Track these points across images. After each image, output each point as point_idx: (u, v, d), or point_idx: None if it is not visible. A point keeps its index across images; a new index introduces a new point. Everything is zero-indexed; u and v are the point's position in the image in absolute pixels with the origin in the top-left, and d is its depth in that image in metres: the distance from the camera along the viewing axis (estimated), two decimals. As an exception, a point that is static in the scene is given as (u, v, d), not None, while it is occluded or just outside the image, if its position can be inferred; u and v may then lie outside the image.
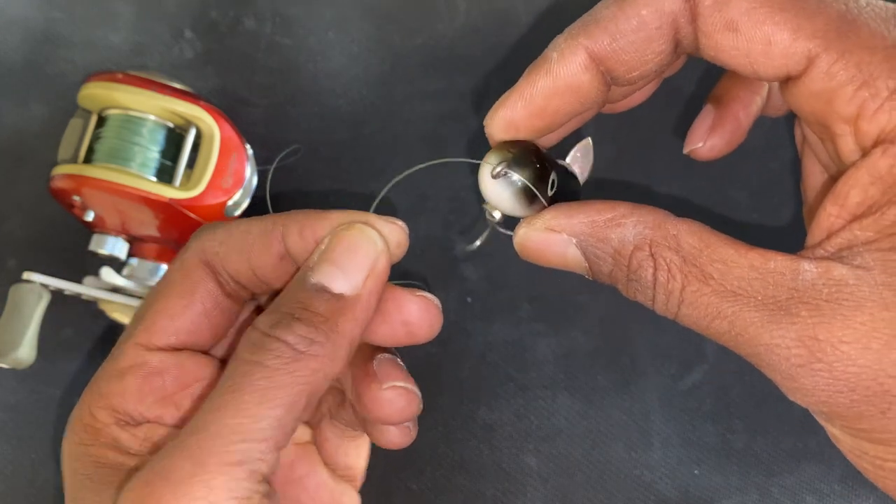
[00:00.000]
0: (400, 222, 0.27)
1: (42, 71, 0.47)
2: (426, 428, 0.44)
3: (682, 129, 0.47)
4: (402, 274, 0.46)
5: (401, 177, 0.30)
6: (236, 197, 0.40)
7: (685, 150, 0.33)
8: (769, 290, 0.22)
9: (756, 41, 0.23)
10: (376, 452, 0.44)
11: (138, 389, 0.25)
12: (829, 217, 0.23)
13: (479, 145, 0.46)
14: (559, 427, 0.44)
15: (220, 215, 0.40)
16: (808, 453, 0.44)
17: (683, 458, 0.44)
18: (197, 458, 0.21)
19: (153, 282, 0.41)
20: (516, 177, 0.26)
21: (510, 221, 0.30)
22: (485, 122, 0.27)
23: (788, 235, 0.47)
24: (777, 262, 0.23)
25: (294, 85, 0.47)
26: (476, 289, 0.45)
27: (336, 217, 0.26)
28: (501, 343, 0.45)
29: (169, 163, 0.39)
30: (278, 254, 0.26)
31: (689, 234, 0.24)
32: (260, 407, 0.22)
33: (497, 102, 0.26)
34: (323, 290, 0.24)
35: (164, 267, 0.41)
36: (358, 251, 0.25)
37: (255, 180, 0.41)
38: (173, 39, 0.46)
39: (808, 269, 0.22)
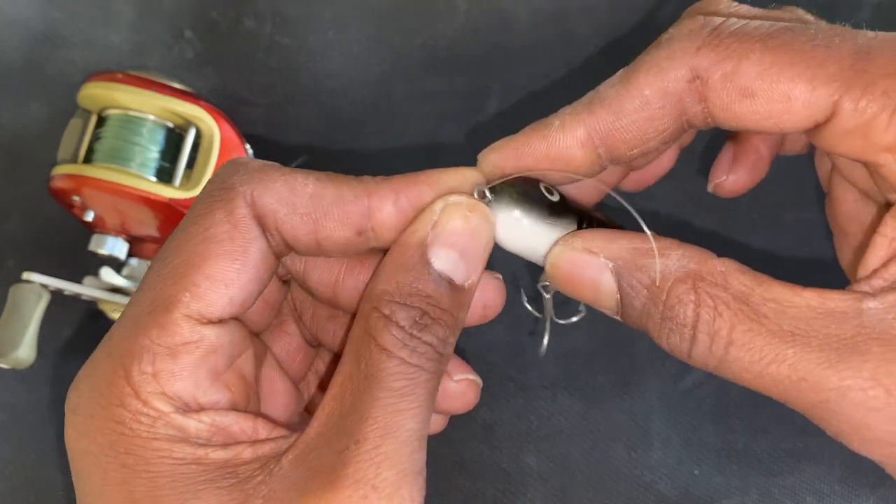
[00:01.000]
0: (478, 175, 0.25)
1: (42, 71, 0.47)
2: (426, 428, 0.44)
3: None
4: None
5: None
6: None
7: (710, 188, 0.32)
8: (832, 329, 0.21)
9: (775, 101, 0.23)
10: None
11: (194, 370, 0.22)
12: (886, 243, 0.22)
13: (479, 146, 0.46)
14: (559, 427, 0.44)
15: (219, 215, 0.40)
16: (808, 453, 0.44)
17: (683, 458, 0.44)
18: (397, 467, 0.21)
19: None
20: (505, 197, 0.24)
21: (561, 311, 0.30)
22: (478, 157, 0.26)
23: (789, 235, 0.47)
24: (837, 300, 0.21)
25: (294, 85, 0.47)
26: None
27: (444, 179, 0.24)
28: (501, 343, 0.45)
29: (168, 164, 0.39)
30: (358, 228, 0.23)
31: (738, 272, 0.22)
32: (425, 410, 0.22)
33: (493, 145, 0.26)
34: (447, 281, 0.23)
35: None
36: (480, 237, 0.24)
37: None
38: (173, 39, 0.46)
39: (871, 304, 0.21)
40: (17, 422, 0.44)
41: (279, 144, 0.46)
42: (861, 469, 0.44)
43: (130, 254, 0.41)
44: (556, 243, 0.25)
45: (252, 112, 0.46)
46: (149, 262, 0.41)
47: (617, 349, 0.45)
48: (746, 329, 0.21)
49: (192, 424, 0.22)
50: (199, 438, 0.22)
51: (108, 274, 0.40)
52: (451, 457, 0.44)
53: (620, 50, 0.47)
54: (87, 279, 0.41)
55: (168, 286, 0.22)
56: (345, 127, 0.47)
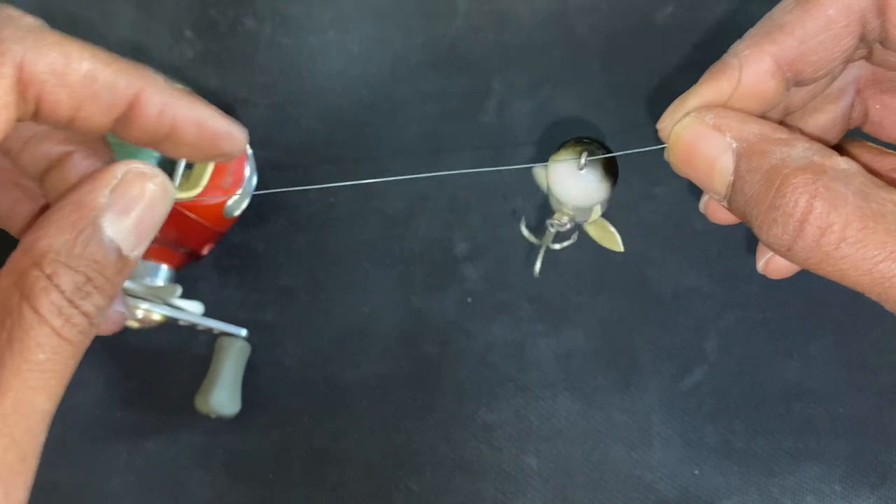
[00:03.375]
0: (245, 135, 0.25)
1: (41, 71, 0.47)
2: (426, 428, 0.44)
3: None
4: (401, 276, 0.46)
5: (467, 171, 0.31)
6: (236, 196, 0.40)
7: (759, 269, 0.32)
8: None
9: None
10: (377, 454, 0.44)
11: None
12: None
13: (479, 145, 0.46)
14: (559, 427, 0.44)
15: (219, 215, 0.40)
16: (808, 453, 0.44)
17: (684, 458, 0.44)
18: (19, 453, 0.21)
19: (153, 282, 0.41)
20: (598, 169, 0.29)
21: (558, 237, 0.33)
22: (659, 126, 0.26)
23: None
24: None
25: (294, 85, 0.47)
26: (476, 289, 0.45)
27: (204, 115, 0.24)
28: (501, 343, 0.45)
29: (167, 164, 0.39)
30: (118, 118, 0.23)
31: (861, 173, 0.21)
32: (61, 389, 0.22)
33: (675, 104, 0.26)
34: (116, 249, 0.22)
35: (164, 267, 0.41)
36: (157, 210, 0.24)
37: (254, 180, 0.41)
38: (173, 39, 0.46)
39: None
40: (17, 422, 0.44)
41: (279, 144, 0.46)
42: (861, 469, 0.44)
43: (130, 254, 0.41)
44: (684, 115, 0.25)
45: (252, 112, 0.46)
46: (148, 262, 0.41)
47: (617, 349, 0.45)
48: (862, 227, 0.21)
49: None
50: None
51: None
52: (451, 457, 0.44)
53: (620, 50, 0.47)
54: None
55: None
56: (345, 127, 0.47)
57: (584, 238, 0.46)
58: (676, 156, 0.25)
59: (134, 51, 0.46)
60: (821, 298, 0.46)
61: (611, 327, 0.45)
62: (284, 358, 0.45)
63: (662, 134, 0.26)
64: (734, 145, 0.23)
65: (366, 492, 0.44)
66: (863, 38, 0.25)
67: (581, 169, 0.29)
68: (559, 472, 0.44)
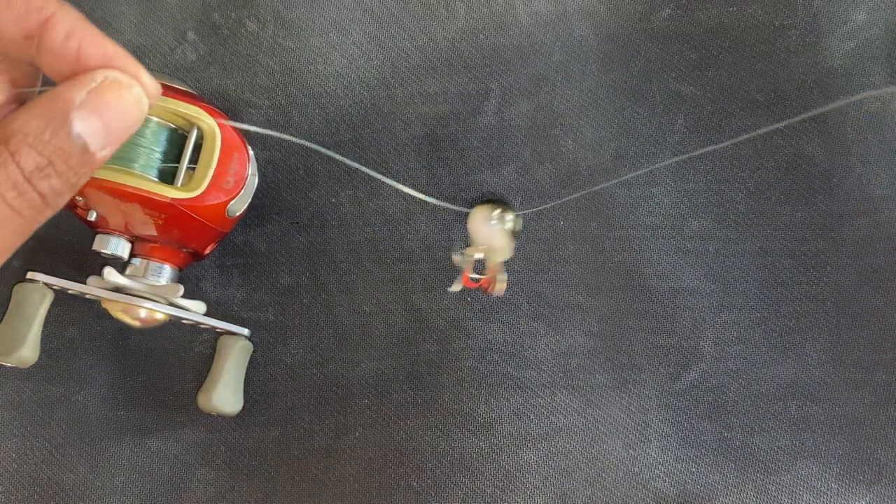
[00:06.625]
0: (159, 87, 0.27)
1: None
2: (426, 426, 0.45)
3: (682, 131, 0.47)
4: (401, 275, 0.46)
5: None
6: (238, 197, 0.40)
7: None
8: None
9: None
10: (378, 451, 0.45)
11: None
12: None
13: (479, 145, 0.47)
14: (558, 425, 0.45)
15: (221, 215, 0.40)
16: (804, 451, 0.44)
17: (681, 455, 0.44)
18: None
19: (156, 281, 0.41)
20: (510, 217, 0.40)
21: (478, 268, 0.41)
22: None
23: (784, 234, 0.47)
24: None
25: (295, 87, 0.47)
26: (476, 289, 0.46)
27: (111, 53, 0.26)
28: (501, 342, 0.45)
29: (171, 164, 0.39)
30: (26, 32, 0.25)
31: None
32: (5, 250, 0.24)
33: None
34: (83, 145, 0.25)
35: (167, 267, 0.42)
36: (128, 117, 0.26)
37: (256, 181, 0.42)
38: (176, 41, 0.47)
39: None
40: (22, 420, 0.44)
41: (281, 145, 0.47)
42: (857, 466, 0.44)
43: (133, 253, 0.41)
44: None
45: (254, 113, 0.47)
46: (152, 262, 0.41)
47: (615, 348, 0.45)
48: None
49: None
50: None
51: (111, 273, 0.40)
52: (451, 455, 0.44)
53: (618, 52, 0.48)
54: (91, 279, 0.41)
55: None
56: (346, 128, 0.47)
57: (583, 238, 0.46)
58: None
59: (137, 53, 0.47)
60: (817, 297, 0.46)
61: (609, 326, 0.46)
62: (286, 356, 0.45)
63: None
64: None
65: (366, 489, 0.44)
66: None
67: (491, 220, 0.40)
68: (558, 470, 0.44)
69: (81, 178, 0.25)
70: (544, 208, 0.45)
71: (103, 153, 0.25)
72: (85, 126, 0.25)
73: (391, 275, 0.46)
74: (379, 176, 0.37)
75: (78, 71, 0.26)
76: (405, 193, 0.46)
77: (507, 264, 0.46)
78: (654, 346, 0.45)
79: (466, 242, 0.46)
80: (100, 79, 0.25)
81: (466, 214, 0.40)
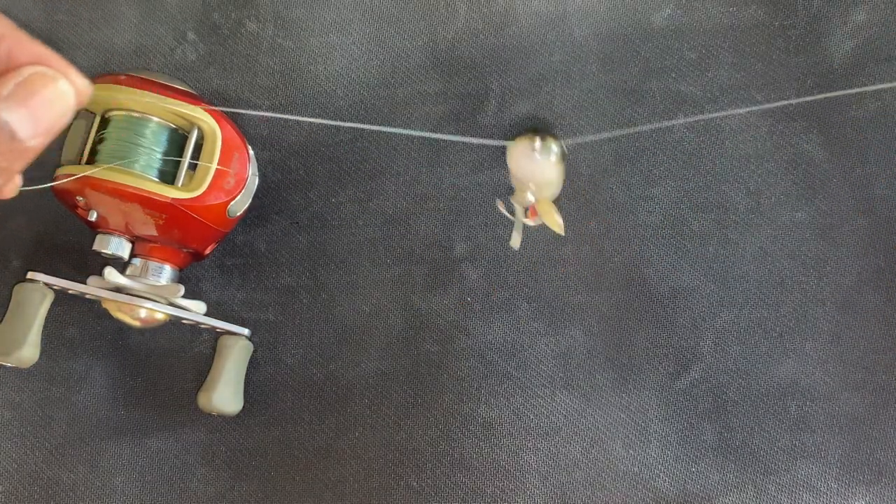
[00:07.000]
0: (90, 85, 0.29)
1: (46, 73, 0.47)
2: (426, 426, 0.45)
3: (682, 130, 0.47)
4: (401, 275, 0.46)
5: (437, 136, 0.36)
6: (238, 197, 0.40)
7: None
8: None
9: None
10: (378, 451, 0.45)
11: None
12: None
13: (478, 146, 0.47)
14: (558, 425, 0.45)
15: (222, 215, 0.40)
16: (804, 451, 0.44)
17: (681, 455, 0.44)
18: None
19: (156, 281, 0.41)
20: (554, 145, 0.34)
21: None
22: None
23: (785, 235, 0.47)
24: None
25: (296, 86, 0.47)
26: (476, 289, 0.46)
27: (39, 53, 0.27)
28: (501, 342, 0.45)
29: (171, 165, 0.39)
30: None
31: None
32: None
33: None
34: (10, 132, 0.26)
35: (168, 267, 0.42)
36: (54, 107, 0.27)
37: (256, 181, 0.42)
38: (176, 42, 0.47)
39: None
40: (23, 420, 0.44)
41: (281, 145, 0.47)
42: (857, 466, 0.44)
43: (134, 253, 0.41)
44: None
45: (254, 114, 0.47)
46: (152, 262, 0.41)
47: (615, 348, 0.46)
48: None
49: None
50: None
51: (111, 274, 0.40)
52: (451, 454, 0.44)
53: (618, 52, 0.48)
54: (91, 279, 0.41)
55: None
56: (346, 128, 0.47)
57: (583, 238, 0.46)
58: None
59: (137, 53, 0.47)
60: (817, 298, 0.46)
61: (609, 326, 0.46)
62: (286, 356, 0.45)
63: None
64: None
65: (366, 489, 0.44)
66: None
67: (535, 152, 0.34)
68: (558, 470, 0.44)
69: (13, 163, 0.27)
70: (590, 139, 0.43)
71: (34, 142, 0.27)
72: (11, 114, 0.26)
73: (391, 275, 0.46)
74: (398, 130, 0.39)
75: (8, 71, 0.27)
76: (405, 191, 0.46)
77: (508, 264, 0.46)
78: (653, 346, 0.45)
79: (472, 234, 0.46)
80: (27, 73, 0.27)
81: (503, 149, 0.35)
